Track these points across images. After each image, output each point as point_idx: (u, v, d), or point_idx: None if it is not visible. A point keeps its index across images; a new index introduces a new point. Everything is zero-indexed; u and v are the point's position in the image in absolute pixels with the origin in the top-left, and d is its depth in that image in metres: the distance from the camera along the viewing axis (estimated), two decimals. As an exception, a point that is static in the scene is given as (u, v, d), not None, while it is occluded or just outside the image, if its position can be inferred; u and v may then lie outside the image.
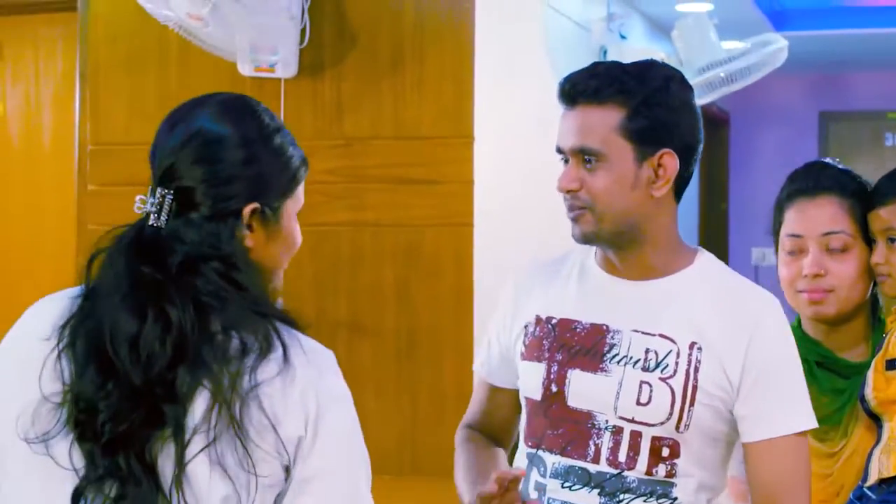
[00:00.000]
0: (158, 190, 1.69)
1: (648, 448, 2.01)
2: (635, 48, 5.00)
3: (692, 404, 2.00)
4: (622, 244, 2.06)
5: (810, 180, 2.35)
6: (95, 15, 3.93)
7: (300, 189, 1.81)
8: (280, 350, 1.64)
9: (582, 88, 2.04)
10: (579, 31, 4.73)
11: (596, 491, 2.02)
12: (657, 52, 5.05)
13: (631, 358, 2.04)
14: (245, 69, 3.58)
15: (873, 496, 2.10)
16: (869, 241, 2.31)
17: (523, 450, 2.14)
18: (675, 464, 2.02)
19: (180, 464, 1.58)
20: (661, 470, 2.01)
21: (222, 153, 1.72)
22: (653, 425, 2.01)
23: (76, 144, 3.98)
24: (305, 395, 1.63)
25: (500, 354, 2.22)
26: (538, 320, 2.13)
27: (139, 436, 1.59)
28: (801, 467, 2.03)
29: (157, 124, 1.79)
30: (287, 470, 1.63)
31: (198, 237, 1.68)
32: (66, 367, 1.63)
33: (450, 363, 3.53)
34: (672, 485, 2.02)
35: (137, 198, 1.72)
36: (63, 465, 1.61)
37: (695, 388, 2.01)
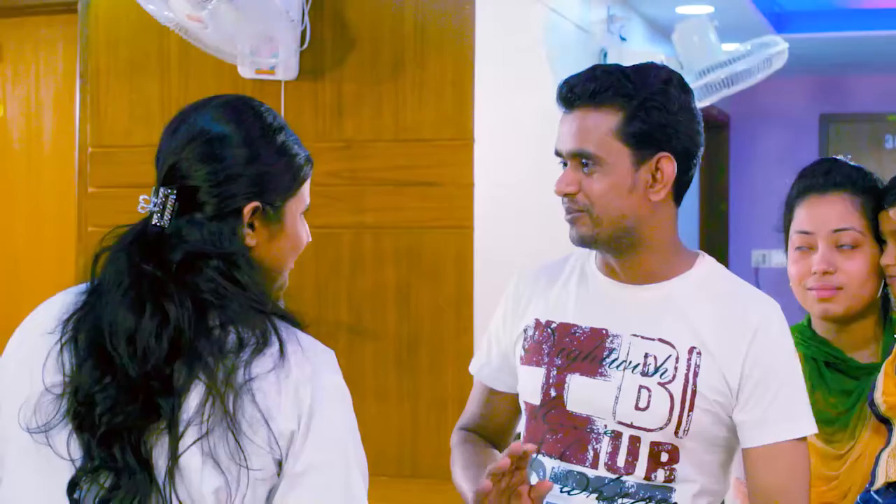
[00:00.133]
0: (161, 190, 1.72)
1: (647, 453, 2.01)
2: (635, 50, 5.00)
3: (691, 409, 2.00)
4: (620, 248, 2.06)
5: (821, 177, 2.32)
6: (96, 17, 3.93)
7: (304, 188, 1.82)
8: (277, 346, 1.65)
9: (580, 92, 2.03)
10: (579, 34, 4.72)
11: (594, 496, 2.02)
12: (657, 54, 5.05)
13: (630, 362, 2.03)
14: (246, 72, 3.58)
15: (880, 500, 2.08)
16: (880, 239, 2.28)
17: None
18: (673, 469, 2.01)
19: (174, 456, 1.61)
20: (660, 475, 2.01)
21: (224, 152, 1.73)
22: (651, 430, 2.01)
23: (76, 147, 3.98)
24: (299, 391, 1.65)
25: (499, 357, 2.22)
26: (538, 324, 2.13)
27: (134, 428, 1.61)
28: (801, 472, 2.03)
29: (158, 127, 1.80)
30: (279, 464, 1.64)
31: (199, 236, 1.70)
32: (67, 360, 1.66)
33: (450, 366, 3.53)
34: (671, 490, 2.01)
35: (141, 198, 1.74)
36: (62, 455, 1.64)
37: (694, 393, 2.00)
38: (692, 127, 2.06)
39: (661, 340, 2.03)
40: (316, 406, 1.66)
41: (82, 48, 3.96)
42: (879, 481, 2.10)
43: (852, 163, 2.37)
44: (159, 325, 1.63)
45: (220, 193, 1.72)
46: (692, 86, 4.82)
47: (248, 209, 1.73)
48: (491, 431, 2.28)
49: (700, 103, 4.97)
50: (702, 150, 2.10)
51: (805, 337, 2.33)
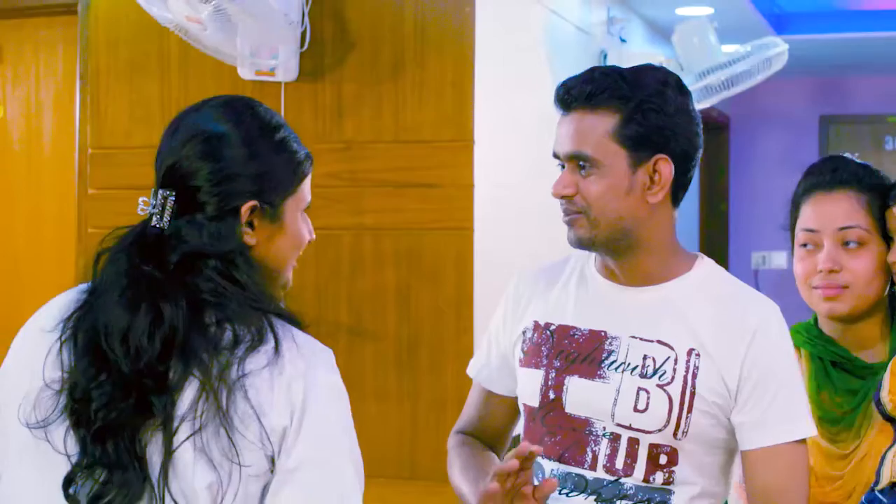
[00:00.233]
0: (160, 192, 1.74)
1: (646, 455, 2.00)
2: (635, 52, 5.01)
3: (690, 411, 1.99)
4: (618, 250, 2.06)
5: (827, 174, 2.30)
6: (96, 18, 3.94)
7: (304, 186, 1.83)
8: (272, 343, 1.67)
9: (576, 94, 2.03)
10: (579, 35, 4.73)
11: (593, 497, 2.01)
12: (657, 55, 5.06)
13: (629, 364, 2.03)
14: (245, 73, 3.58)
15: (885, 500, 2.07)
16: (887, 237, 2.25)
17: None
18: (672, 471, 2.01)
19: (167, 452, 1.62)
20: (659, 477, 2.01)
21: (224, 150, 1.75)
22: (650, 432, 2.00)
23: (76, 148, 3.98)
24: (292, 387, 1.66)
25: (498, 359, 2.22)
26: (537, 326, 2.13)
27: (129, 424, 1.63)
28: (800, 474, 2.02)
29: (158, 128, 1.81)
30: (272, 460, 1.65)
31: (198, 236, 1.71)
32: (66, 358, 1.69)
33: (450, 367, 3.53)
34: (670, 492, 2.01)
35: (140, 200, 1.76)
36: (59, 450, 1.66)
37: (692, 394, 2.00)
38: (690, 129, 2.06)
39: (659, 342, 2.03)
40: (308, 402, 1.66)
41: (82, 49, 3.96)
42: (884, 481, 2.08)
43: (859, 160, 2.34)
44: (152, 324, 1.65)
45: (220, 192, 1.73)
46: (692, 88, 4.84)
47: (245, 208, 1.74)
48: (488, 435, 2.27)
49: (700, 105, 5.01)
50: (700, 151, 2.10)
51: (811, 336, 2.31)
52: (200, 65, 3.76)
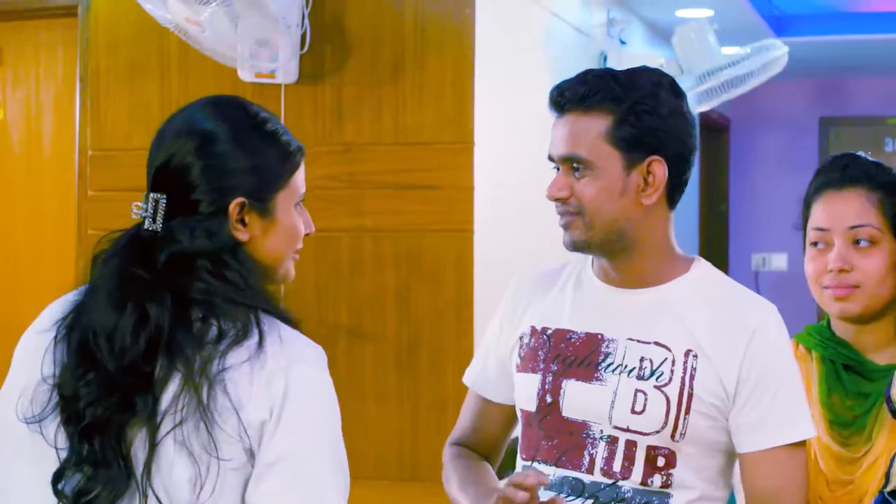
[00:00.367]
0: (151, 195, 1.76)
1: (644, 457, 1.99)
2: (635, 54, 5.01)
3: (688, 413, 1.98)
4: (614, 252, 2.05)
5: (837, 172, 2.24)
6: (96, 20, 3.94)
7: (296, 178, 1.83)
8: (256, 338, 1.68)
9: (570, 96, 2.03)
10: (579, 37, 4.73)
11: (590, 501, 2.00)
12: (657, 57, 5.06)
13: (626, 366, 2.02)
14: (245, 75, 3.59)
15: (895, 502, 2.06)
16: None
17: (520, 462, 2.12)
18: (670, 474, 2.00)
19: (151, 447, 1.65)
20: (657, 480, 1.99)
21: (213, 147, 1.76)
22: (648, 434, 1.99)
23: (76, 150, 3.99)
24: (272, 381, 1.67)
25: (495, 366, 2.20)
26: (533, 331, 2.12)
27: (114, 422, 1.66)
28: (798, 476, 2.02)
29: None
30: (251, 454, 1.66)
31: (188, 235, 1.73)
32: (59, 356, 1.72)
33: (450, 369, 3.53)
34: (668, 496, 1.99)
35: (133, 204, 1.78)
36: (52, 445, 1.70)
37: (690, 395, 1.99)
38: (684, 130, 2.05)
39: (656, 344, 2.02)
40: (288, 397, 1.67)
41: (82, 51, 3.96)
42: (893, 482, 2.06)
43: (871, 158, 2.29)
44: (137, 324, 1.67)
45: (213, 189, 1.75)
46: (693, 91, 4.85)
47: (233, 205, 1.75)
48: (483, 445, 2.26)
49: (700, 107, 5.01)
50: (695, 153, 2.08)
51: (823, 338, 2.26)
52: (200, 67, 3.76)
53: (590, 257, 2.14)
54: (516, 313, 2.18)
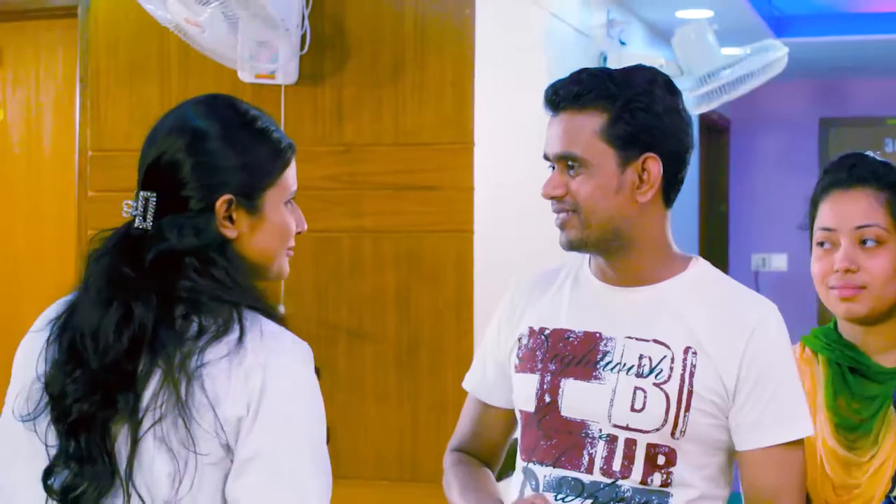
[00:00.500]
0: (141, 193, 1.77)
1: (643, 456, 1.99)
2: (635, 54, 5.01)
3: (687, 410, 1.98)
4: (610, 250, 2.05)
5: (844, 171, 2.22)
6: (96, 20, 3.94)
7: (286, 176, 1.84)
8: (236, 333, 1.69)
9: (564, 94, 2.04)
10: (579, 38, 4.73)
11: (589, 502, 2.00)
12: (657, 58, 5.06)
13: (625, 365, 2.02)
14: (245, 76, 3.59)
15: None
16: None
17: (519, 464, 2.11)
18: (670, 472, 1.99)
19: (133, 443, 1.66)
20: (657, 479, 1.99)
21: (203, 144, 1.78)
22: (647, 432, 1.99)
23: (76, 150, 3.98)
24: (250, 377, 1.67)
25: (494, 370, 2.20)
26: (531, 332, 2.12)
27: (98, 419, 1.68)
28: (797, 474, 2.02)
29: (158, 131, 1.83)
30: (228, 449, 1.67)
31: (177, 233, 1.75)
32: (50, 356, 1.75)
33: (450, 369, 3.53)
34: (668, 495, 1.99)
35: (124, 203, 1.80)
36: (43, 442, 1.72)
37: (690, 393, 1.99)
38: (679, 128, 2.05)
39: (655, 341, 2.02)
40: (266, 393, 1.67)
41: (82, 52, 3.96)
42: None
43: (880, 158, 2.27)
44: (120, 322, 1.70)
45: (203, 185, 1.76)
46: (693, 93, 4.84)
47: (220, 203, 1.76)
48: (484, 450, 2.25)
49: (700, 109, 5.01)
50: (690, 151, 2.08)
51: (829, 340, 2.24)
52: (200, 68, 3.76)
53: (587, 257, 2.14)
54: (514, 315, 2.18)
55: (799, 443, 2.02)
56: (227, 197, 1.76)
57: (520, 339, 2.14)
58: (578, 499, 2.01)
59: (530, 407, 2.08)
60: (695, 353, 2.00)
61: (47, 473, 1.70)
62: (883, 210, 2.17)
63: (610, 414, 2.01)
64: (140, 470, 1.67)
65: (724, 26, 5.10)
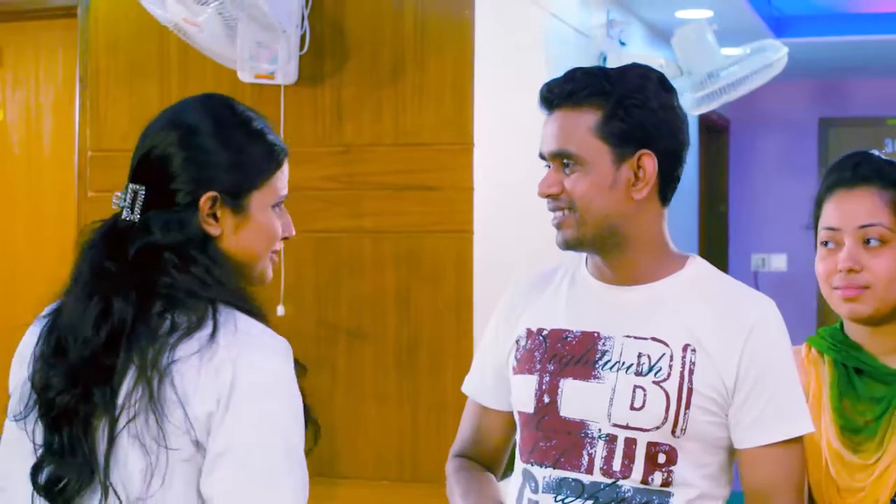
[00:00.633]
0: (130, 186, 1.79)
1: (644, 455, 1.98)
2: (635, 54, 5.01)
3: (688, 407, 1.98)
4: (607, 248, 2.05)
5: (848, 170, 2.19)
6: (95, 21, 3.94)
7: (275, 180, 1.84)
8: (209, 329, 1.69)
9: (559, 92, 2.04)
10: (579, 38, 4.73)
11: (590, 502, 1.99)
12: (657, 58, 5.06)
13: (623, 363, 2.01)
14: (245, 76, 3.58)
15: None
16: None
17: (519, 466, 2.11)
18: (671, 471, 1.99)
19: (110, 439, 1.67)
20: (658, 478, 1.98)
21: (196, 140, 1.79)
22: (647, 430, 1.98)
23: (76, 150, 3.99)
24: (220, 372, 1.67)
25: (493, 372, 2.19)
26: (529, 333, 2.11)
27: (80, 412, 1.69)
28: (797, 471, 2.02)
29: (158, 131, 1.84)
30: (198, 445, 1.67)
31: (161, 227, 1.76)
32: (38, 349, 1.77)
33: (450, 369, 3.53)
34: (669, 494, 1.99)
35: (114, 195, 1.81)
36: (31, 439, 1.74)
37: (690, 390, 1.98)
38: (674, 125, 2.05)
39: (654, 339, 2.01)
40: (236, 388, 1.67)
41: (82, 52, 3.96)
42: None
43: (885, 157, 2.24)
44: (99, 316, 1.71)
45: (189, 181, 1.77)
46: (693, 95, 4.84)
47: (204, 199, 1.77)
48: (485, 455, 2.24)
49: (700, 109, 5.01)
50: (687, 149, 2.08)
51: (836, 341, 2.22)
52: (200, 68, 3.76)
53: (584, 256, 2.13)
54: (511, 317, 2.17)
55: (799, 440, 2.02)
56: (211, 194, 1.77)
57: (518, 341, 2.13)
58: (579, 500, 2.00)
59: (529, 408, 2.08)
60: (694, 350, 2.00)
61: (35, 469, 1.72)
62: (887, 209, 2.15)
63: (610, 413, 2.00)
64: (116, 466, 1.68)
65: (723, 26, 5.10)
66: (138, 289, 1.72)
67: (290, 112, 3.69)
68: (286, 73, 3.59)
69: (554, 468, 2.03)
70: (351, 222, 3.66)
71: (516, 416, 2.13)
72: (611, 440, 2.00)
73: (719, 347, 2.00)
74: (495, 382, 2.19)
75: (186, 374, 1.67)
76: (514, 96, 3.87)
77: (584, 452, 2.01)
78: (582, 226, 2.02)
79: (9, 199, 4.44)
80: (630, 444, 1.99)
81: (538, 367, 2.07)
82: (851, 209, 2.16)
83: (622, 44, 5.09)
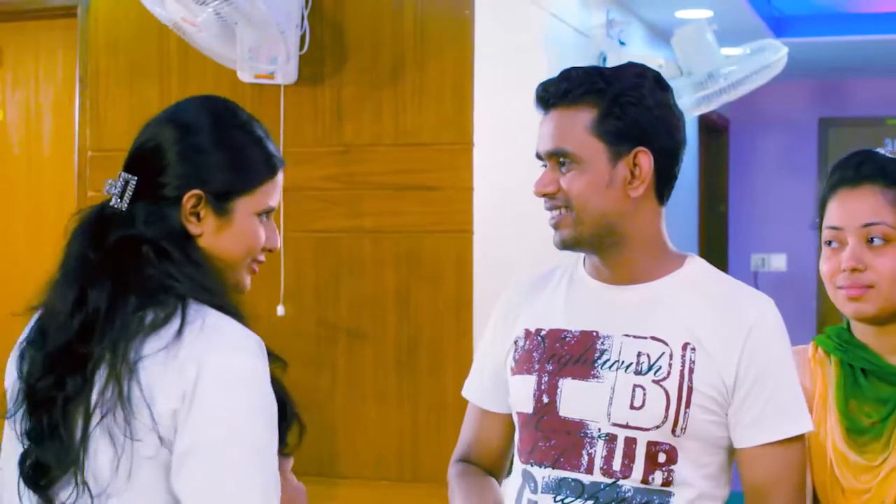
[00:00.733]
0: (122, 174, 1.80)
1: (644, 454, 1.98)
2: (635, 54, 5.01)
3: (688, 406, 1.97)
4: (604, 247, 2.05)
5: (851, 169, 2.17)
6: (95, 21, 3.94)
7: (264, 189, 1.84)
8: (176, 326, 1.69)
9: (554, 91, 2.04)
10: (579, 38, 4.73)
11: (590, 503, 1.99)
12: (657, 58, 5.06)
13: (623, 362, 2.01)
14: (245, 76, 3.58)
15: None
16: None
17: (518, 467, 2.10)
18: (672, 470, 1.98)
19: (85, 429, 1.68)
20: (658, 477, 1.98)
21: (192, 137, 1.80)
22: (648, 429, 1.98)
23: (76, 150, 3.99)
24: (185, 369, 1.67)
25: (491, 375, 2.19)
26: (527, 334, 2.11)
27: (55, 400, 1.70)
28: (795, 469, 2.01)
29: (158, 131, 1.85)
30: (165, 443, 1.67)
31: (143, 219, 1.77)
32: (28, 336, 1.79)
33: (450, 369, 3.53)
34: (669, 494, 1.98)
35: (107, 181, 1.82)
36: (19, 438, 1.75)
37: (690, 389, 1.98)
38: (670, 123, 2.04)
39: (653, 338, 2.01)
40: (200, 385, 1.67)
41: (82, 52, 3.96)
42: None
43: (889, 155, 2.22)
44: (74, 305, 1.72)
45: (180, 175, 1.78)
46: (693, 96, 4.84)
47: (187, 196, 1.78)
48: (487, 459, 2.23)
49: (699, 110, 5.01)
50: (684, 147, 2.07)
51: (842, 341, 2.19)
52: (200, 68, 3.76)
53: (582, 256, 2.13)
54: (509, 318, 2.17)
55: (799, 438, 2.02)
56: (196, 192, 1.78)
57: (516, 342, 2.13)
58: (579, 500, 2.00)
59: (528, 408, 2.07)
60: (693, 349, 1.99)
61: (24, 456, 1.73)
62: (890, 208, 2.13)
63: (609, 412, 2.00)
64: (88, 457, 1.68)
65: (723, 26, 5.10)
66: (114, 279, 1.72)
67: (290, 112, 3.69)
68: (286, 73, 3.59)
69: (553, 468, 2.03)
70: (351, 222, 3.66)
71: (515, 417, 2.13)
72: (610, 440, 2.00)
73: (719, 346, 1.99)
74: (494, 385, 2.19)
75: (152, 370, 1.67)
76: (514, 96, 3.87)
77: (584, 452, 2.01)
78: (579, 225, 2.02)
79: (9, 199, 4.44)
80: (630, 443, 1.99)
81: (537, 367, 2.07)
82: (854, 208, 2.14)
83: (622, 44, 5.09)
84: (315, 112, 3.71)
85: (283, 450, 1.79)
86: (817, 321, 7.46)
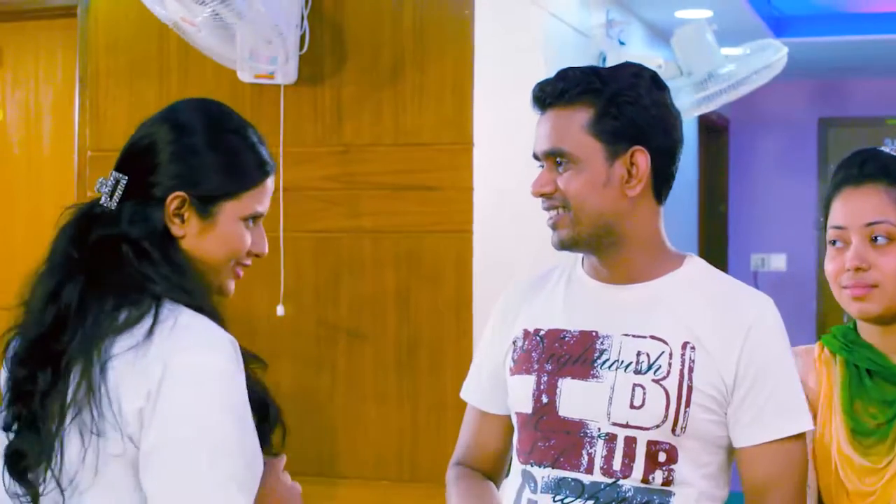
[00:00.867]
0: (113, 173, 1.80)
1: (644, 453, 1.98)
2: (635, 54, 5.01)
3: (688, 405, 1.97)
4: (602, 247, 2.05)
5: (855, 168, 2.16)
6: (95, 21, 3.94)
7: (251, 195, 1.84)
8: (148, 325, 1.69)
9: (550, 91, 2.04)
10: (579, 38, 4.73)
11: (590, 503, 1.98)
12: (656, 58, 5.06)
13: (622, 362, 2.01)
14: (245, 76, 3.58)
15: None
16: None
17: (517, 467, 2.10)
18: (672, 470, 1.98)
19: (60, 424, 1.68)
20: (658, 477, 1.98)
21: (186, 138, 1.80)
22: (648, 429, 1.98)
23: (76, 150, 3.99)
24: (151, 368, 1.67)
25: (490, 377, 2.18)
26: (526, 334, 2.11)
27: (35, 393, 1.71)
28: (796, 468, 2.01)
29: (158, 131, 1.85)
30: (130, 442, 1.67)
31: (128, 218, 1.78)
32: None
33: (450, 369, 3.53)
34: (670, 493, 1.98)
35: (99, 179, 1.82)
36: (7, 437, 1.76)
37: (689, 388, 1.98)
38: (667, 122, 2.04)
39: (652, 337, 2.01)
40: (165, 383, 1.67)
41: (81, 52, 3.96)
42: None
43: (894, 153, 2.20)
44: (48, 299, 1.74)
45: (170, 176, 1.78)
46: (693, 97, 4.84)
47: (171, 198, 1.78)
48: (486, 462, 2.22)
49: (698, 110, 5.01)
50: (681, 146, 2.07)
51: (848, 341, 2.18)
52: (200, 68, 3.76)
53: (580, 256, 2.13)
54: (508, 318, 2.17)
55: (799, 437, 2.02)
56: (180, 193, 1.78)
57: (514, 342, 2.13)
58: (579, 500, 1.99)
59: (527, 408, 2.07)
60: (693, 348, 1.99)
61: (8, 447, 1.74)
62: (894, 206, 2.12)
63: (609, 412, 1.99)
64: (60, 449, 1.69)
65: (723, 26, 5.10)
66: (88, 276, 1.73)
67: (289, 112, 3.69)
68: (286, 73, 3.60)
69: (553, 468, 2.02)
70: (351, 222, 3.66)
71: (514, 418, 2.12)
72: (610, 439, 1.99)
73: (719, 345, 1.99)
74: (492, 386, 2.18)
75: (120, 370, 1.68)
76: (514, 96, 3.87)
77: (584, 452, 2.00)
78: (577, 225, 2.02)
79: (9, 199, 4.44)
80: (630, 443, 1.99)
81: (536, 367, 2.07)
82: (858, 207, 2.13)
83: (622, 44, 5.09)
84: (315, 112, 3.71)
85: (270, 450, 1.79)
86: (817, 321, 7.46)
